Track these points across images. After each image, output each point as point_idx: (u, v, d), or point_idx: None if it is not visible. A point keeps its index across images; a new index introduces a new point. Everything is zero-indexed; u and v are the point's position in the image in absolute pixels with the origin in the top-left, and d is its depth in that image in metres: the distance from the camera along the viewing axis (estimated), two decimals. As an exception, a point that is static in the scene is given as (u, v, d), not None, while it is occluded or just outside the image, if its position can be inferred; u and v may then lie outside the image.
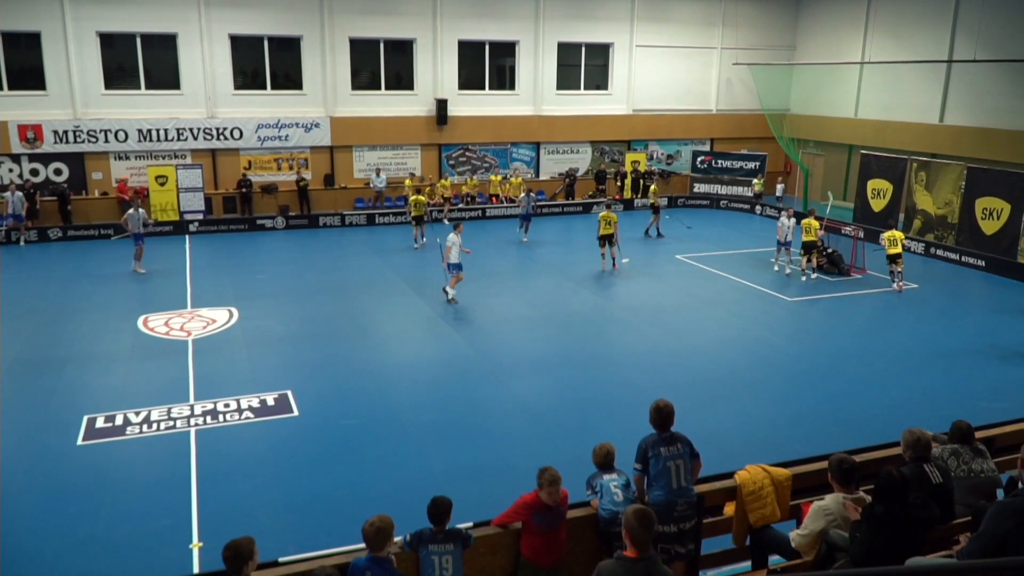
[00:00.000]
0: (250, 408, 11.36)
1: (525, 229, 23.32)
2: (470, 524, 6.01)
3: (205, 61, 24.16)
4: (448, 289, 16.60)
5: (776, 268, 19.72)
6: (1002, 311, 16.77)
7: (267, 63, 25.24)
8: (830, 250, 19.92)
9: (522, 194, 24.13)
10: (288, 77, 25.71)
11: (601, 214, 19.63)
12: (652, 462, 5.90)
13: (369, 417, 11.15)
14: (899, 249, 18.04)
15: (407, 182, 25.84)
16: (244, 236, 23.89)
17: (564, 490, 5.71)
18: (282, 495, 9.09)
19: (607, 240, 19.43)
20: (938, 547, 5.16)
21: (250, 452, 10.12)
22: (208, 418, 11.03)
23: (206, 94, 24.42)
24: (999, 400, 11.39)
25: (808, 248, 18.89)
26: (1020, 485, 4.20)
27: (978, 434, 6.55)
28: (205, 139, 24.67)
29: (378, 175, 26.23)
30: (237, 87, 24.96)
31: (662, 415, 5.97)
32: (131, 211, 18.84)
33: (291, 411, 11.30)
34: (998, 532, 3.92)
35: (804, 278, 18.98)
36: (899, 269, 18.04)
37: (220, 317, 15.57)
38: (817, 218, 19.63)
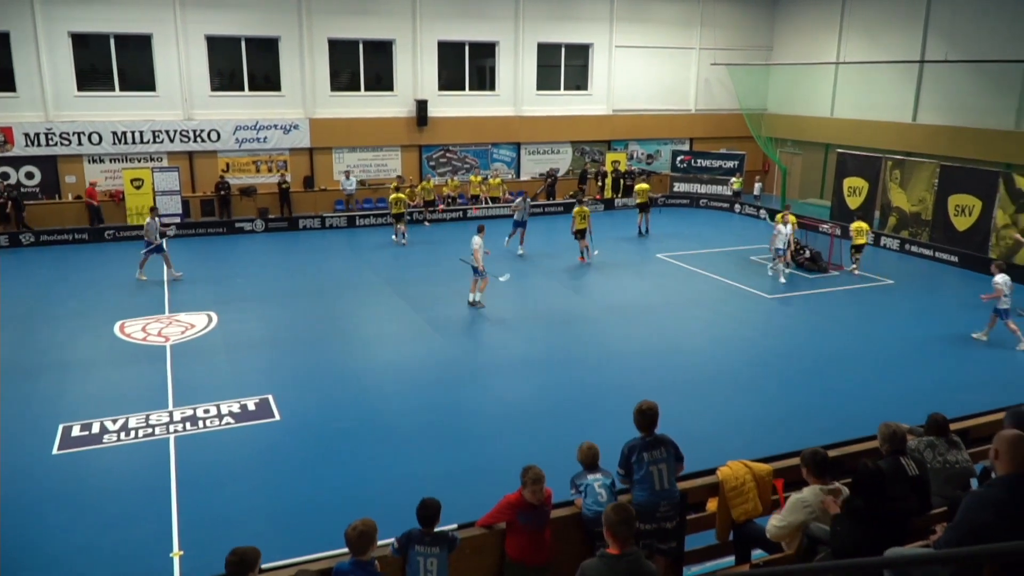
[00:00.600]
0: (230, 413, 11.28)
1: (520, 238, 21.28)
2: (455, 526, 6.02)
3: (181, 62, 23.95)
4: (477, 293, 16.45)
5: (770, 274, 19.19)
6: (975, 306, 16.99)
7: (244, 64, 25.07)
8: (807, 251, 20.09)
9: (517, 199, 22.12)
10: (266, 78, 25.55)
11: (575, 209, 20.50)
12: (635, 467, 5.87)
13: (352, 420, 11.11)
14: (864, 240, 19.72)
15: (394, 185, 25.41)
16: (222, 239, 23.70)
17: (548, 489, 5.73)
18: (264, 501, 9.04)
19: (581, 234, 20.27)
20: (915, 537, 5.25)
21: (231, 458, 10.05)
22: (187, 424, 10.94)
23: (182, 96, 24.21)
24: (973, 392, 11.58)
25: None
26: (993, 475, 4.29)
27: (953, 426, 6.67)
28: (182, 141, 24.46)
29: (347, 178, 25.93)
30: (214, 88, 24.77)
31: (646, 417, 5.95)
32: (148, 220, 18.53)
33: (272, 416, 11.23)
34: (974, 521, 4.00)
35: (772, 264, 19.64)
36: (859, 256, 19.76)
37: (199, 322, 15.44)
38: (793, 214, 20.04)
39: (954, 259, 20.75)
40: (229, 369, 13.07)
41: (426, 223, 25.47)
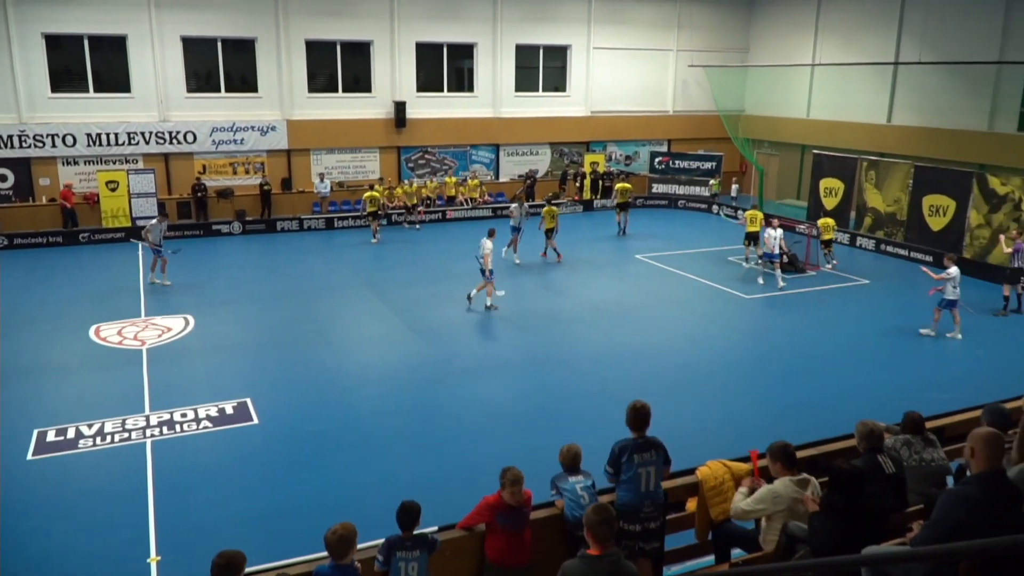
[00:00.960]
0: (208, 417, 11.17)
1: (514, 246, 20.64)
2: (435, 528, 6.00)
3: (156, 63, 23.68)
4: (482, 294, 16.46)
5: (761, 281, 18.65)
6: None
7: (221, 65, 24.84)
8: (784, 255, 20.22)
9: (513, 204, 21.30)
10: (243, 79, 25.34)
11: (544, 209, 20.90)
12: (624, 467, 5.85)
13: (332, 423, 11.05)
14: (832, 235, 20.51)
15: (378, 188, 25.11)
16: (199, 242, 23.46)
17: (528, 491, 5.71)
18: (243, 505, 8.95)
19: (550, 233, 20.68)
20: (892, 535, 5.30)
21: (209, 462, 9.95)
22: (164, 428, 10.81)
23: (158, 97, 23.95)
24: (948, 391, 11.72)
25: (752, 238, 20.03)
26: (968, 473, 4.34)
27: (928, 424, 6.73)
28: (157, 143, 24.19)
29: (321, 180, 25.65)
30: (190, 90, 24.53)
31: (639, 416, 5.93)
32: (153, 222, 18.24)
33: (251, 419, 11.13)
34: (950, 519, 4.04)
35: (747, 264, 20.34)
36: (831, 251, 20.44)
37: (175, 325, 15.28)
38: (761, 212, 20.68)
39: (929, 259, 20.95)
40: (207, 372, 12.94)
41: (417, 226, 25.18)
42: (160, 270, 18.19)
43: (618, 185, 25.17)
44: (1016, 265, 16.42)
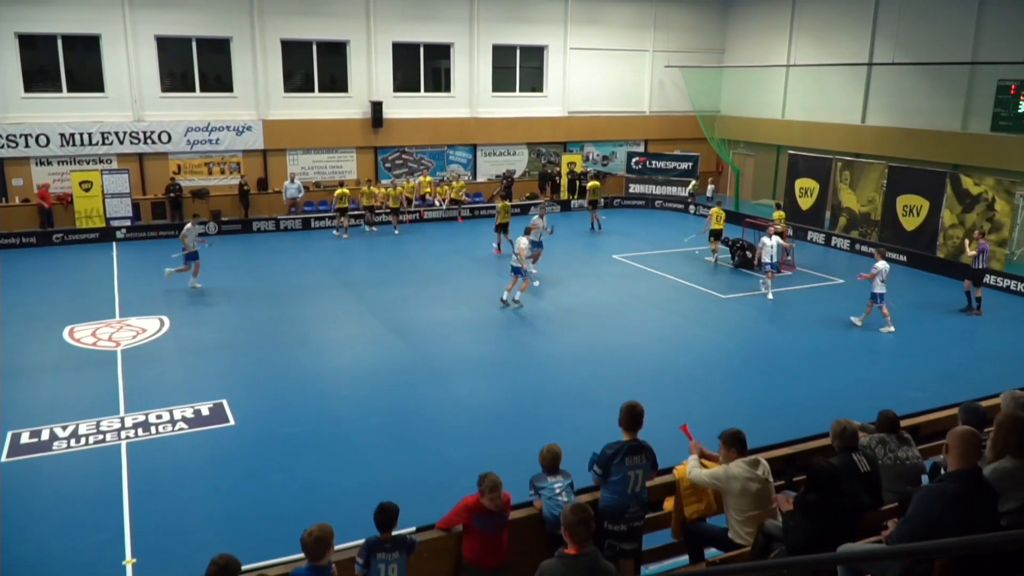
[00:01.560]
0: (184, 419, 11.04)
1: (532, 260, 18.27)
2: (413, 529, 5.96)
3: (130, 63, 23.37)
4: (516, 292, 16.43)
5: (763, 290, 17.90)
6: (923, 305, 17.50)
7: (196, 65, 24.56)
8: (740, 242, 20.60)
9: (534, 216, 19.14)
10: (218, 79, 25.08)
11: (499, 204, 21.56)
12: (615, 470, 5.81)
13: (309, 424, 10.96)
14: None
15: (364, 189, 24.79)
16: (174, 242, 23.05)
17: (507, 493, 5.70)
18: (219, 507, 8.86)
19: (503, 228, 21.33)
20: (867, 533, 5.34)
21: (185, 464, 9.84)
22: (140, 430, 10.67)
23: (132, 97, 23.63)
24: (922, 389, 11.87)
25: (716, 235, 20.69)
26: (943, 471, 4.37)
27: (903, 423, 6.80)
28: (132, 143, 23.86)
29: (292, 181, 25.29)
30: (165, 89, 24.23)
31: (634, 415, 5.90)
32: (188, 226, 17.79)
33: (227, 420, 11.02)
34: (926, 516, 4.07)
35: (710, 258, 20.94)
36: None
37: (151, 326, 15.08)
38: (724, 210, 21.34)
39: (903, 258, 21.22)
40: (182, 374, 12.79)
41: (396, 231, 24.51)
42: (192, 273, 17.72)
43: (588, 184, 25.87)
44: (980, 266, 16.54)
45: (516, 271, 16.31)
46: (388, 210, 25.02)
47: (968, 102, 22.55)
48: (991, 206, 19.52)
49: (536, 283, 17.93)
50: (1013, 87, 21.07)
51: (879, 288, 15.11)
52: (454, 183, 27.26)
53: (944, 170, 21.43)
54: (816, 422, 8.36)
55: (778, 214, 21.25)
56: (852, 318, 15.79)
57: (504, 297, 16.51)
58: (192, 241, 17.63)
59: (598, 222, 25.23)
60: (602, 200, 27.00)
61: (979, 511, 4.02)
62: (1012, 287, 18.61)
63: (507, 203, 21.86)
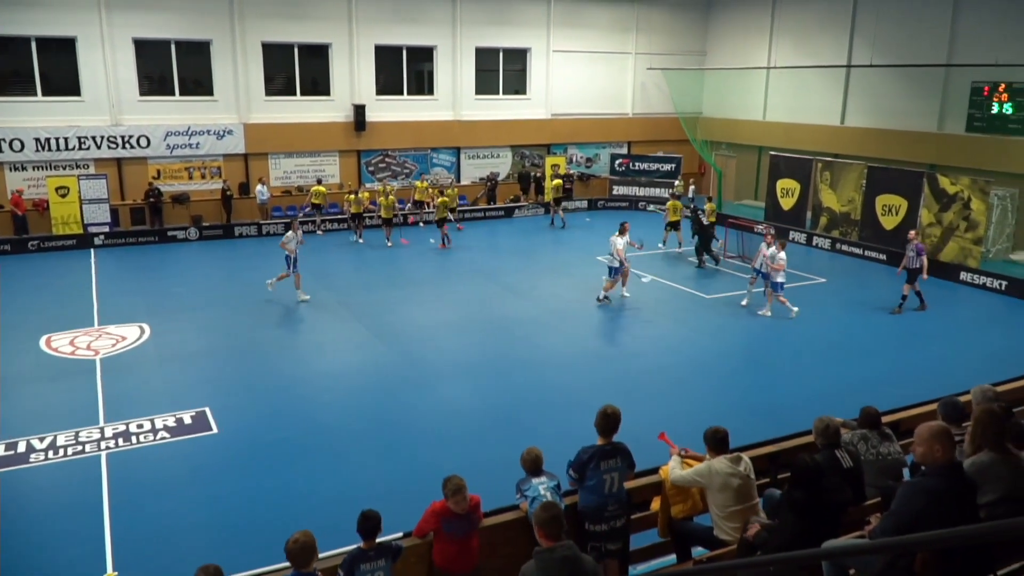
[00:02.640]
0: (165, 428, 10.95)
1: (621, 283, 17.30)
2: (399, 535, 5.97)
3: (108, 66, 23.16)
4: (622, 288, 17.25)
5: (768, 314, 16.39)
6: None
7: (175, 68, 24.39)
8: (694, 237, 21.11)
9: (618, 239, 16.72)
10: (198, 83, 24.92)
11: (439, 199, 22.85)
12: (589, 474, 5.88)
13: (293, 431, 10.91)
14: (678, 217, 22.07)
15: (350, 197, 24.20)
16: (154, 248, 23.00)
17: (475, 496, 5.70)
18: (203, 516, 8.79)
19: (441, 222, 22.45)
20: (851, 528, 5.40)
21: (167, 474, 9.76)
22: (120, 440, 10.57)
23: (109, 101, 23.42)
24: (903, 386, 11.99)
25: (674, 225, 22.11)
26: (923, 467, 4.45)
27: (884, 419, 6.89)
28: (109, 147, 23.64)
29: (261, 183, 24.96)
30: (143, 93, 24.03)
31: (610, 421, 5.93)
32: (289, 233, 17.14)
33: (210, 429, 10.95)
34: (909, 510, 4.14)
35: (662, 247, 22.51)
36: (678, 233, 21.82)
37: (130, 334, 14.95)
38: (679, 199, 22.88)
39: (883, 257, 21.49)
40: (163, 382, 12.69)
41: (388, 240, 23.47)
42: (295, 285, 17.14)
43: (553, 182, 26.64)
44: (915, 265, 16.52)
45: (612, 271, 16.89)
46: (379, 220, 23.85)
47: (944, 103, 22.89)
48: (967, 205, 19.82)
49: (617, 296, 17.41)
50: (986, 89, 21.47)
51: (781, 278, 15.82)
52: (447, 191, 26.66)
53: (921, 170, 21.77)
54: (799, 421, 8.45)
55: (672, 203, 22.40)
56: (756, 310, 16.44)
57: (602, 296, 17.05)
58: (295, 247, 17.02)
59: (561, 219, 26.07)
60: (569, 193, 27.97)
61: (959, 504, 4.09)
62: (988, 284, 18.90)
63: (446, 199, 22.92)
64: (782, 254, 15.86)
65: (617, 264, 16.76)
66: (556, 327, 15.64)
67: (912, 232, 17.51)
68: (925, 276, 16.66)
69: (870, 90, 25.14)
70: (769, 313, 16.26)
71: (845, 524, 5.37)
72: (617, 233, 16.96)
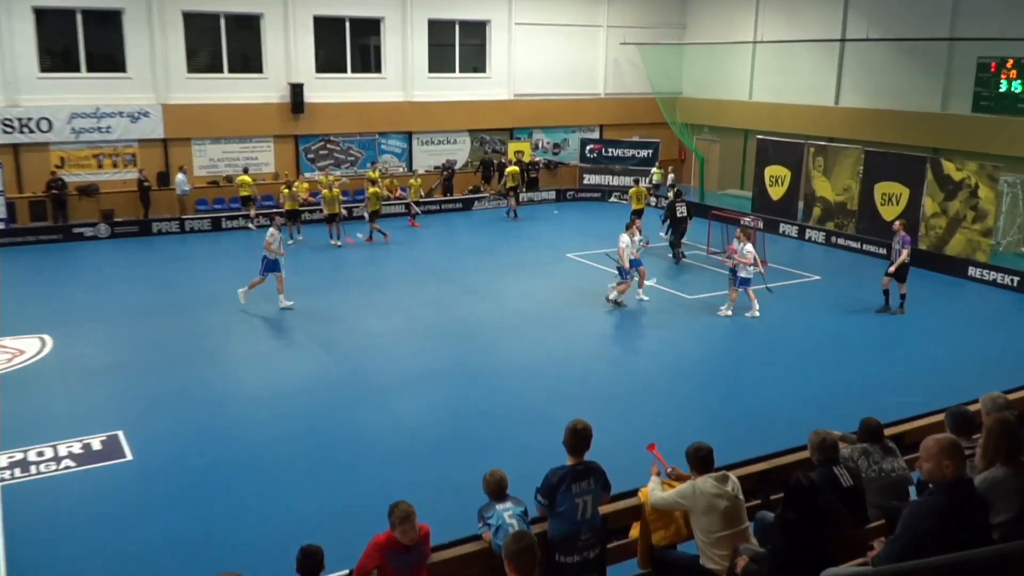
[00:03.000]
0: (71, 455, 10.68)
1: (637, 285, 17.51)
2: (345, 572, 5.86)
3: (3, 38, 22.59)
4: (614, 294, 17.13)
5: (756, 315, 16.53)
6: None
7: (81, 41, 23.88)
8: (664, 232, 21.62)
9: (623, 237, 16.82)
10: (108, 58, 24.46)
11: (371, 190, 23.26)
12: (560, 499, 5.79)
13: (221, 456, 10.72)
14: (642, 205, 22.83)
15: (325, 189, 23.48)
16: (58, 248, 22.52)
17: (424, 525, 5.62)
18: (114, 555, 8.58)
19: (375, 216, 23.02)
20: (852, 554, 5.41)
21: (72, 507, 9.51)
22: (17, 471, 10.27)
23: (4, 78, 22.85)
24: (907, 394, 12.16)
25: (638, 214, 21.88)
26: (930, 485, 4.47)
27: (887, 431, 6.93)
28: (4, 131, 23.06)
29: (182, 172, 24.51)
30: (44, 69, 23.51)
31: (580, 438, 5.84)
32: (272, 230, 16.65)
33: (123, 455, 10.70)
34: (916, 533, 4.14)
35: (663, 235, 22.45)
36: (640, 222, 20.91)
37: (29, 347, 14.59)
38: (647, 188, 23.52)
39: (883, 252, 21.74)
40: (68, 402, 12.39)
41: (362, 238, 23.29)
42: (278, 290, 16.75)
43: (508, 169, 27.10)
44: (899, 259, 16.53)
45: (620, 272, 16.88)
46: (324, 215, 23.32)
47: (948, 81, 23.30)
48: (974, 193, 20.15)
49: (644, 297, 17.61)
50: (993, 65, 21.87)
51: (747, 272, 16.20)
52: (412, 181, 26.71)
53: (924, 155, 22.08)
54: (792, 433, 8.49)
55: (635, 190, 23.18)
56: (720, 310, 16.68)
57: (610, 298, 17.16)
58: (279, 247, 16.66)
59: (514, 210, 26.81)
60: (523, 187, 28.31)
61: (971, 525, 4.10)
62: (998, 280, 19.25)
63: (377, 190, 23.38)
64: (748, 246, 16.31)
65: (622, 265, 16.77)
66: (521, 332, 15.60)
67: (897, 223, 17.32)
68: (892, 270, 16.58)
69: (866, 67, 25.54)
70: (730, 312, 16.54)
71: (845, 549, 5.39)
72: (626, 231, 16.98)
